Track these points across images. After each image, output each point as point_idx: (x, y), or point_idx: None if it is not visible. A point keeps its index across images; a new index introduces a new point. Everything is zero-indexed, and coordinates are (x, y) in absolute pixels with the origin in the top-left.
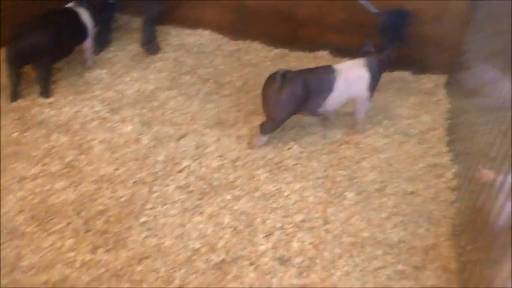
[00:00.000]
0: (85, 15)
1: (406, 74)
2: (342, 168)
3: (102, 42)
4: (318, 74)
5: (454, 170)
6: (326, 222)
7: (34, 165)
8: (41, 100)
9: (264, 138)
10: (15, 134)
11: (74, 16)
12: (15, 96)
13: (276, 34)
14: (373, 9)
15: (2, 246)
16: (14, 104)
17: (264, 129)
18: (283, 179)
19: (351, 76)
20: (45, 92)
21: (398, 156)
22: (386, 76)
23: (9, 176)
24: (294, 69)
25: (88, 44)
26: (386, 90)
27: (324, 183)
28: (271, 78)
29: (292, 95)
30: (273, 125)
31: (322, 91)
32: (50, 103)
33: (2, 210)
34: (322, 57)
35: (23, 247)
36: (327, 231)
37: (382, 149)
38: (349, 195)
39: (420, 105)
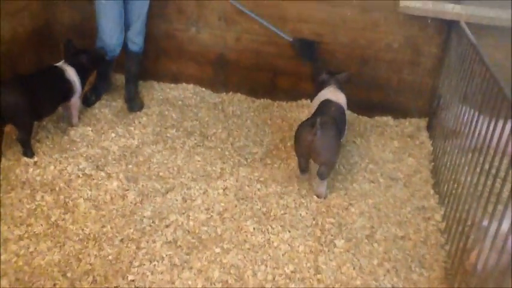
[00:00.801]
0: (72, 73)
1: (387, 119)
2: (331, 215)
3: (96, 95)
4: (338, 111)
5: (441, 212)
6: (317, 271)
7: (18, 227)
8: (26, 159)
9: (325, 184)
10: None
11: (60, 74)
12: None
13: (256, 85)
14: (289, 38)
15: None
16: None
17: (325, 175)
18: (272, 229)
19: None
20: (28, 152)
21: (386, 201)
22: (368, 121)
23: None
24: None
25: (74, 101)
26: (370, 135)
27: (313, 231)
28: (321, 127)
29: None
30: (331, 169)
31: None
32: (35, 162)
33: None
34: (304, 106)
35: None
36: (319, 281)
37: (370, 194)
38: (339, 242)
39: (404, 148)
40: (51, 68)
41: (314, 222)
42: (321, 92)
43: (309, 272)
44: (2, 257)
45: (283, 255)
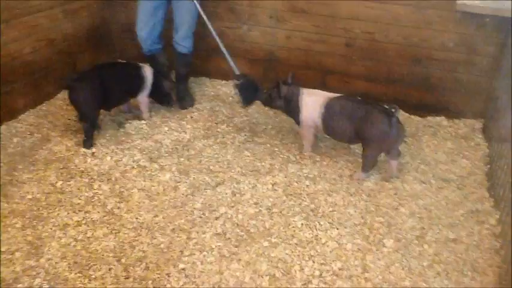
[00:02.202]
0: (148, 72)
1: (440, 119)
2: (380, 214)
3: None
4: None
5: (497, 216)
6: (365, 270)
7: (77, 213)
8: (84, 150)
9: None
10: (59, 183)
11: (136, 69)
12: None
13: (305, 83)
14: (236, 71)
15: None
16: (59, 154)
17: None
18: (319, 226)
19: None
20: (88, 142)
21: (438, 202)
22: (420, 121)
23: (53, 223)
24: None
25: (141, 98)
26: (422, 136)
27: (362, 230)
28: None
29: None
30: None
31: None
32: (93, 153)
33: (45, 257)
34: None
35: None
36: (367, 279)
37: (420, 195)
38: (388, 242)
39: (457, 150)
40: (130, 63)
41: (363, 220)
42: (304, 99)
43: (356, 270)
44: (62, 241)
45: (330, 252)
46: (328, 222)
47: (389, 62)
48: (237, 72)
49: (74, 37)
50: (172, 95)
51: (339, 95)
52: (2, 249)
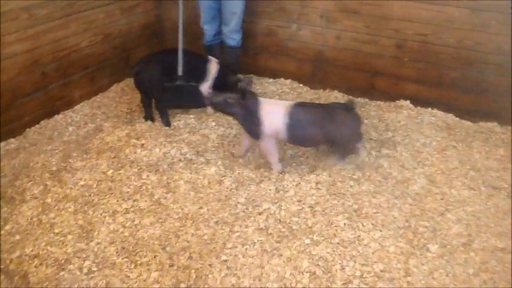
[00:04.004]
0: (213, 66)
1: (493, 125)
2: (425, 219)
3: None
4: None
5: None
6: (407, 274)
7: (125, 201)
8: (134, 141)
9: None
10: (110, 172)
11: (203, 61)
12: (146, 117)
13: (354, 84)
14: (180, 72)
15: (93, 275)
16: (111, 143)
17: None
18: (362, 227)
19: None
20: (165, 120)
21: (486, 210)
22: (471, 126)
23: (103, 209)
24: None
25: (203, 89)
26: (472, 141)
27: (406, 233)
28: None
29: None
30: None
31: None
32: (142, 144)
33: (95, 241)
34: (403, 107)
35: (112, 277)
36: (409, 283)
37: (468, 201)
38: (433, 247)
39: (509, 157)
40: (197, 53)
41: (407, 224)
42: (264, 109)
43: (398, 273)
44: (111, 227)
45: (372, 253)
46: (372, 224)
47: (441, 65)
48: (180, 73)
49: (129, 33)
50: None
51: (294, 102)
52: (56, 231)
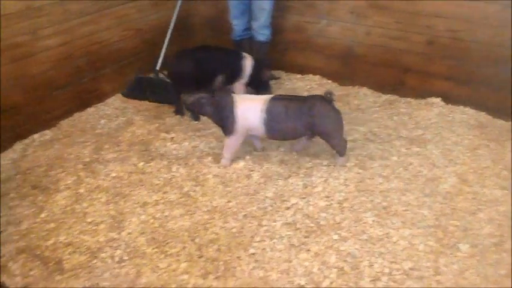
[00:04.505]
0: (248, 63)
1: None
2: (456, 218)
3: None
4: None
5: None
6: (437, 272)
7: (156, 193)
8: (164, 134)
9: None
10: (141, 164)
11: (238, 58)
12: (177, 111)
13: (383, 80)
14: (157, 66)
15: (124, 264)
16: (141, 136)
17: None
18: (391, 224)
19: None
20: (194, 116)
21: None
22: (504, 125)
23: (134, 200)
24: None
25: (237, 86)
26: (506, 140)
27: (436, 232)
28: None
29: None
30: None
31: None
32: (172, 138)
33: (126, 231)
34: (434, 104)
35: (143, 266)
36: (438, 282)
37: (501, 201)
38: (463, 247)
39: None
40: (232, 50)
41: (437, 223)
42: (239, 107)
43: (428, 271)
44: (141, 218)
45: (401, 251)
46: (401, 222)
47: (473, 62)
48: (157, 68)
49: (159, 28)
50: (269, 84)
51: (271, 96)
52: (88, 220)
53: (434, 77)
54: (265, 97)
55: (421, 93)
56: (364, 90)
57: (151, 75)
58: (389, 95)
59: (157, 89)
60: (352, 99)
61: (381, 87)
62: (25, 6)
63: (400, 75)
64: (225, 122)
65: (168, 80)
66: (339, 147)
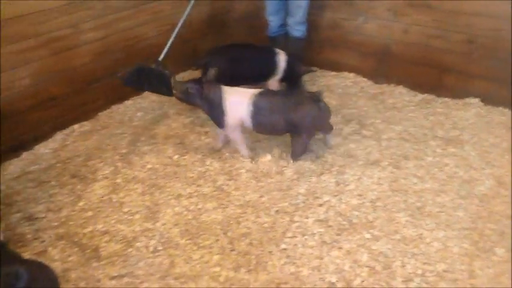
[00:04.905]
0: (282, 59)
1: None
2: (492, 221)
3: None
4: None
5: None
6: (471, 276)
7: (190, 185)
8: (198, 128)
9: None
10: (176, 157)
11: (271, 54)
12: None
13: (420, 79)
14: (160, 57)
15: (158, 254)
16: (176, 130)
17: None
18: (425, 225)
19: None
20: None
21: None
22: None
23: (169, 192)
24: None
25: (271, 83)
26: None
27: (471, 235)
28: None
29: None
30: None
31: None
32: (206, 132)
33: (160, 222)
34: (472, 104)
35: (176, 256)
36: (472, 285)
37: None
38: (499, 251)
39: None
40: (266, 47)
41: (473, 225)
42: (228, 99)
43: (462, 274)
44: (175, 209)
45: (435, 252)
46: (435, 223)
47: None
48: (160, 59)
49: (194, 23)
50: (302, 80)
51: (259, 90)
52: (125, 210)
53: (473, 77)
54: (254, 91)
55: (458, 93)
56: (400, 88)
57: (153, 65)
58: (426, 95)
59: (155, 80)
60: (387, 98)
61: (417, 86)
62: (67, 1)
63: (438, 74)
64: (215, 115)
65: (167, 72)
66: (297, 148)
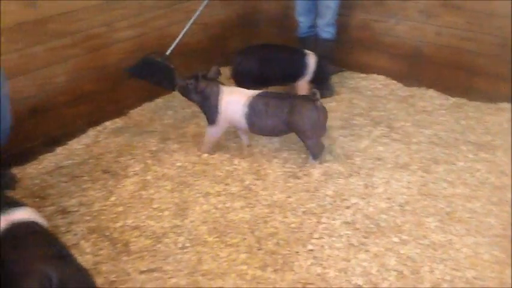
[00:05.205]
0: (312, 60)
1: None
2: None
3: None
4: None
5: None
6: (502, 283)
7: (218, 184)
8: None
9: None
10: (205, 155)
11: (301, 55)
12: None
13: (452, 82)
14: (168, 52)
15: (186, 250)
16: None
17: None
18: (455, 231)
19: None
20: None
21: None
22: None
23: (197, 190)
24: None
25: (300, 84)
26: None
27: (502, 242)
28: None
29: None
30: None
31: None
32: (234, 131)
33: (189, 219)
34: (505, 109)
35: (204, 253)
36: None
37: None
38: None
39: None
40: (295, 48)
41: (504, 232)
42: (224, 98)
43: (492, 282)
44: (203, 207)
45: (464, 258)
46: (465, 229)
47: None
48: (167, 53)
49: (226, 23)
50: (331, 82)
51: (258, 91)
52: (154, 206)
53: (506, 81)
54: (251, 92)
55: (491, 98)
56: (431, 92)
57: (159, 58)
58: (458, 98)
59: (159, 73)
60: (418, 101)
61: (448, 89)
62: (103, 0)
63: (470, 77)
64: (209, 111)
65: (172, 67)
66: (314, 149)
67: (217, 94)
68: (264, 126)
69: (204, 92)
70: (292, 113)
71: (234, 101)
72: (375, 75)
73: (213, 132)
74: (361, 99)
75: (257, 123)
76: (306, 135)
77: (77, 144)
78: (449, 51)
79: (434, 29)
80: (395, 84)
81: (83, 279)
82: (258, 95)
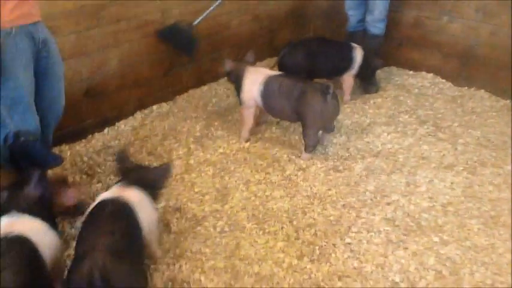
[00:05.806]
0: (358, 54)
1: None
2: None
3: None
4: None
5: None
6: None
7: (258, 172)
8: (270, 118)
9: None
10: (247, 144)
11: (348, 49)
12: None
13: (505, 84)
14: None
15: (225, 234)
16: None
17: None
18: (498, 235)
19: None
20: None
21: None
22: None
23: (238, 177)
24: None
25: (347, 78)
26: None
27: None
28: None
29: None
30: None
31: None
32: (277, 122)
33: (229, 204)
34: None
35: (242, 239)
36: None
37: None
38: None
39: None
40: (342, 42)
41: None
42: (246, 77)
43: None
44: (243, 194)
45: (507, 264)
46: (510, 233)
47: None
48: (194, 23)
49: (275, 15)
50: (376, 77)
51: (276, 72)
52: (196, 190)
53: None
54: (270, 72)
55: None
56: (482, 93)
57: (186, 27)
58: (510, 101)
59: (182, 40)
60: (467, 102)
61: (501, 91)
62: None
63: None
64: (237, 91)
65: (196, 38)
66: (308, 140)
67: (242, 74)
68: (274, 106)
69: (233, 73)
70: (300, 99)
71: (254, 80)
72: (423, 73)
73: (244, 114)
74: (408, 96)
75: (269, 102)
76: (305, 124)
77: (125, 126)
78: (504, 52)
79: (490, 29)
80: (444, 84)
81: (130, 280)
82: (275, 75)
